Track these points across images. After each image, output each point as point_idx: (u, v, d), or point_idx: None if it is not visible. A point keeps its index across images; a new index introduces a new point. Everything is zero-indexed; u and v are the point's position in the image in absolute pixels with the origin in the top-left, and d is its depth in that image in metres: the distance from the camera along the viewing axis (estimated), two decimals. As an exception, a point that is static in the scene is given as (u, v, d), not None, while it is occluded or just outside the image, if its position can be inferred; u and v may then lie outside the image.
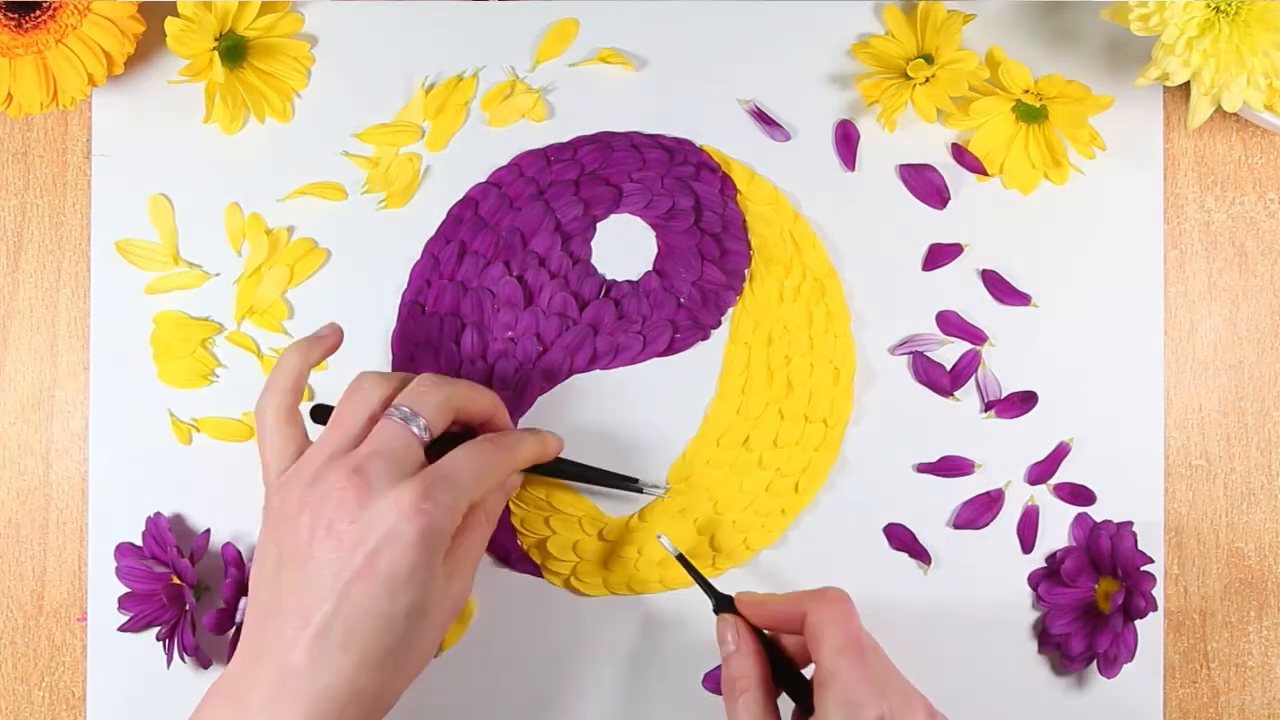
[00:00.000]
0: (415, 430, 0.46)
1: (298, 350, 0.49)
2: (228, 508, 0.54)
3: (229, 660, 0.52)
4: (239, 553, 0.53)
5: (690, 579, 0.51)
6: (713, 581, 0.53)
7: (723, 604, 0.49)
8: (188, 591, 0.52)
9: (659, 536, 0.52)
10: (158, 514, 0.54)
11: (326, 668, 0.42)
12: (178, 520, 0.55)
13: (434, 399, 0.47)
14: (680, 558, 0.51)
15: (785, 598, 0.48)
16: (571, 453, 0.53)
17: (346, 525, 0.43)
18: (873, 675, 0.44)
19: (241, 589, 0.52)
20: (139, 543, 0.54)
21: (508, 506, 0.54)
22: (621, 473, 0.53)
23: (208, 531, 0.54)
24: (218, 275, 0.55)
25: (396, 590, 0.43)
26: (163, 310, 0.55)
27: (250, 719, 0.42)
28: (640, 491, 0.53)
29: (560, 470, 0.52)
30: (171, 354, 0.54)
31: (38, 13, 0.51)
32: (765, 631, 0.48)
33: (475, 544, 0.47)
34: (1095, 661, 0.53)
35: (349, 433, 0.46)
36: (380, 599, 0.43)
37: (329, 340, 0.50)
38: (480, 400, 0.49)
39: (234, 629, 0.52)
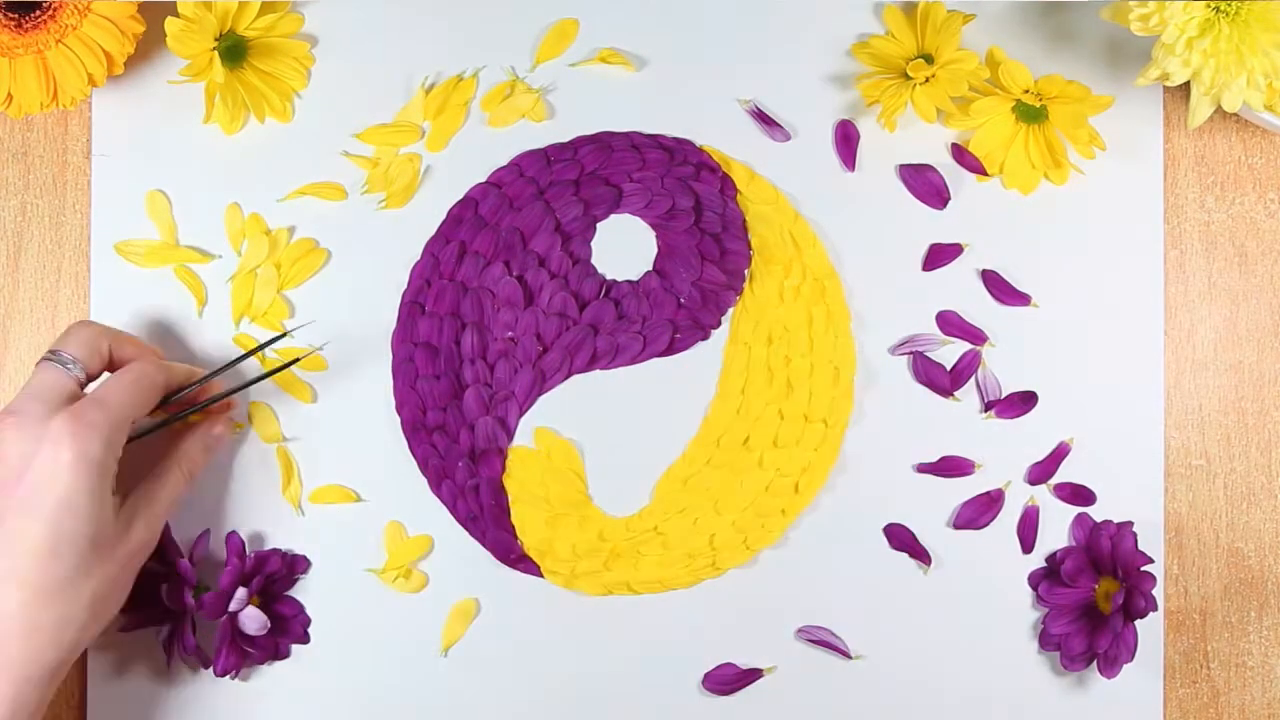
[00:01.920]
0: (64, 367, 0.47)
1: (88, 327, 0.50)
2: (228, 507, 0.54)
3: (219, 654, 0.52)
4: (243, 543, 0.53)
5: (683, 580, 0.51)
6: (712, 582, 0.53)
7: None
8: (188, 592, 0.52)
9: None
10: (158, 514, 0.54)
11: (1, 604, 0.44)
12: (178, 521, 0.55)
13: (80, 337, 0.49)
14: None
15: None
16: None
17: (5, 466, 0.45)
18: None
19: (240, 580, 0.52)
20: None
21: (507, 507, 0.54)
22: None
23: (207, 532, 0.54)
24: (219, 258, 0.55)
25: (60, 518, 0.44)
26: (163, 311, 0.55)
27: None
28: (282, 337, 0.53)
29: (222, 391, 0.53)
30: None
31: (38, 13, 0.51)
32: None
33: (164, 492, 0.50)
34: (1095, 661, 0.53)
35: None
36: (43, 528, 0.44)
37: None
38: (134, 345, 0.51)
39: (227, 615, 0.52)
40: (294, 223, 0.55)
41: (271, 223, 0.55)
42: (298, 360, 0.53)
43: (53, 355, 0.48)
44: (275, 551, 0.54)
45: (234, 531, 0.54)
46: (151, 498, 0.49)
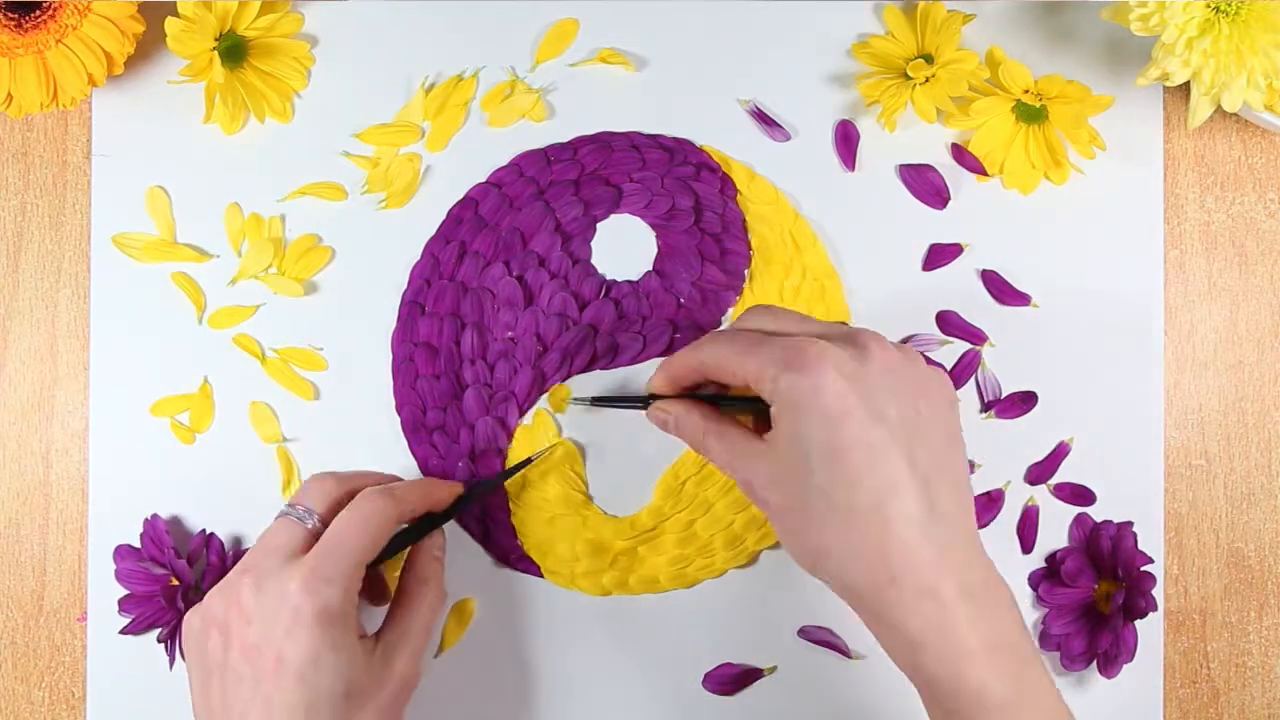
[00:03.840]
0: (296, 519, 0.47)
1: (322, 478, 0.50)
2: (229, 508, 0.54)
3: None
4: (221, 543, 0.53)
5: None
6: (712, 582, 0.53)
7: (646, 403, 0.50)
8: (186, 592, 0.52)
9: (574, 397, 0.53)
10: (154, 515, 0.54)
11: None
12: (178, 522, 0.55)
13: (315, 488, 0.48)
14: (596, 400, 0.52)
15: (678, 358, 0.48)
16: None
17: (246, 626, 0.44)
18: (785, 343, 0.43)
19: (220, 578, 0.52)
20: (138, 544, 0.54)
21: (507, 507, 0.54)
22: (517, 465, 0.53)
23: (203, 532, 0.54)
24: (218, 258, 0.55)
25: (311, 677, 0.43)
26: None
27: None
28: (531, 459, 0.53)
29: (472, 499, 0.52)
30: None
31: (38, 13, 0.51)
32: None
33: (418, 619, 0.48)
34: (1095, 661, 0.53)
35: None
36: (298, 690, 0.43)
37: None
38: (366, 479, 0.50)
39: None
40: (294, 223, 0.55)
41: (271, 223, 0.55)
42: (531, 460, 0.53)
43: (289, 509, 0.47)
44: (248, 547, 0.54)
45: (210, 532, 0.54)
46: (406, 629, 0.48)
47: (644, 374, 0.55)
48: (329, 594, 0.44)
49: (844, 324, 0.46)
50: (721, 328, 0.48)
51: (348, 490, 0.49)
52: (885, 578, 0.41)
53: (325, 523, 0.47)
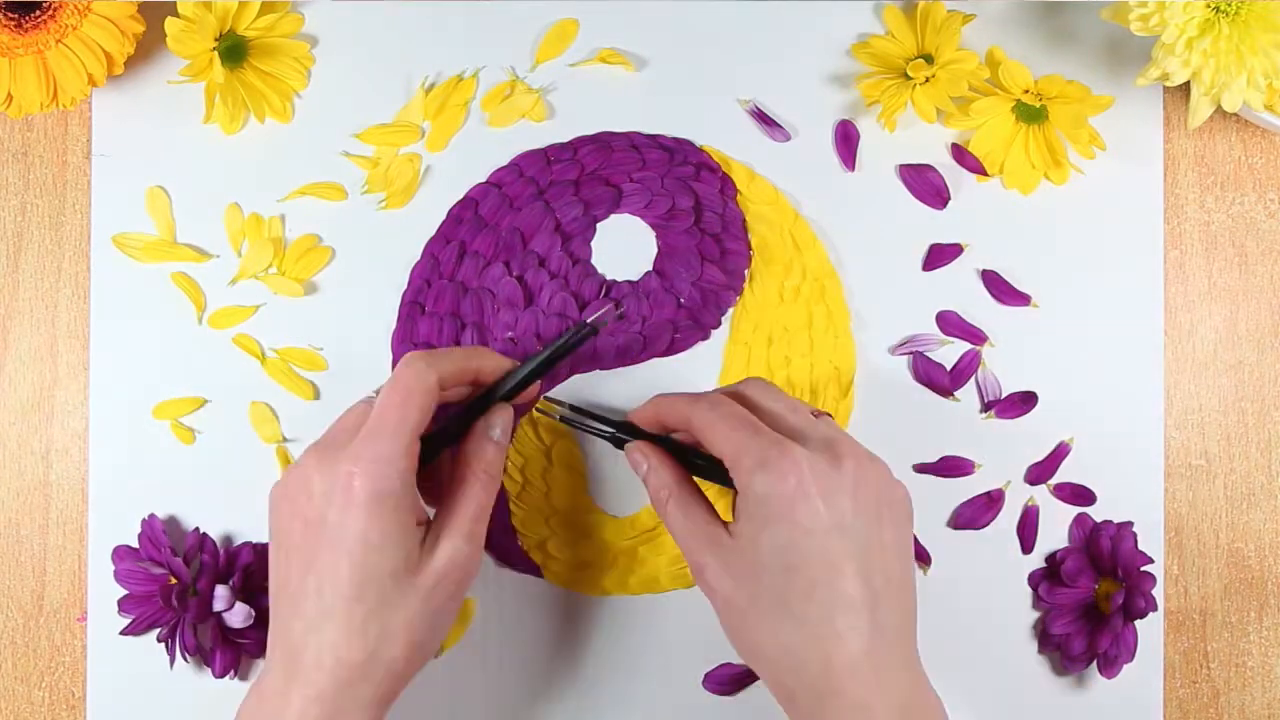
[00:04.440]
0: (368, 399, 0.46)
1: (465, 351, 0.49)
2: (229, 508, 0.54)
3: (213, 656, 0.52)
4: (214, 542, 0.54)
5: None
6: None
7: (622, 431, 0.49)
8: (184, 591, 0.52)
9: (542, 401, 0.52)
10: (151, 516, 0.54)
11: (314, 644, 0.43)
12: (177, 522, 0.55)
13: (407, 372, 0.45)
14: (569, 413, 0.51)
15: (659, 407, 0.48)
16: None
17: (306, 501, 0.44)
18: (769, 440, 0.44)
19: (214, 576, 0.52)
20: (136, 545, 0.54)
21: (507, 507, 0.54)
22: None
23: (197, 530, 0.54)
24: (218, 258, 0.55)
25: (358, 557, 0.43)
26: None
27: (269, 703, 0.44)
28: (596, 330, 0.51)
29: (520, 380, 0.49)
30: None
31: (38, 13, 0.51)
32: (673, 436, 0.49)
33: (467, 505, 0.46)
34: (1095, 661, 0.53)
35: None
36: (345, 565, 0.43)
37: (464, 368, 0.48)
38: (457, 358, 0.47)
39: (213, 616, 0.52)
40: (294, 223, 0.55)
41: (271, 223, 0.55)
42: (584, 334, 0.50)
43: (376, 390, 0.46)
44: (247, 544, 0.54)
45: (204, 532, 0.54)
46: (454, 514, 0.46)
47: (644, 374, 0.55)
48: (376, 471, 0.43)
49: (829, 419, 0.47)
50: (717, 389, 0.47)
51: (438, 369, 0.46)
52: (826, 689, 0.42)
53: None
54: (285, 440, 0.55)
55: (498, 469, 0.48)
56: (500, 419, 0.48)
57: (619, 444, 0.49)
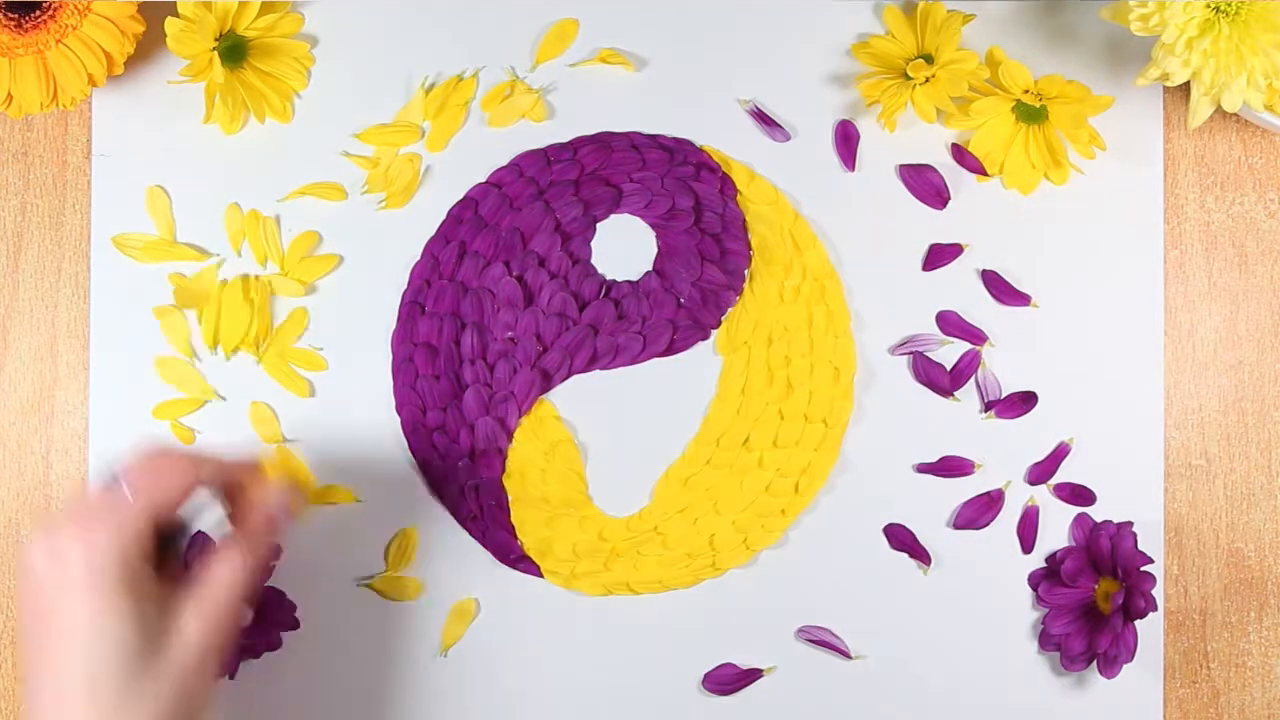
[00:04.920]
0: (108, 480, 0.43)
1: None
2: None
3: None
4: (214, 542, 0.53)
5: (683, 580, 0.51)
6: (712, 582, 0.53)
7: None
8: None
9: None
10: (154, 515, 0.54)
11: None
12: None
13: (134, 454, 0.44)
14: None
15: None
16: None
17: (36, 588, 0.41)
18: None
19: None
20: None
21: (507, 508, 0.54)
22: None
23: (199, 534, 0.54)
24: (217, 257, 0.55)
25: (85, 645, 0.40)
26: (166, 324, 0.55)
27: None
28: None
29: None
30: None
31: (38, 13, 0.51)
32: None
33: (217, 581, 0.43)
34: (1095, 661, 0.53)
35: None
36: (72, 660, 0.40)
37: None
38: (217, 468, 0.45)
39: None
40: (294, 223, 0.55)
41: (269, 223, 0.55)
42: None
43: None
44: None
45: (199, 530, 0.54)
46: (201, 591, 0.43)
47: (645, 374, 0.55)
48: (102, 550, 0.40)
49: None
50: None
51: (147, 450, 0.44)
52: None
53: (122, 480, 0.43)
54: (285, 440, 0.55)
55: (261, 550, 0.45)
56: (285, 499, 0.46)
57: None
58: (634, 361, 0.55)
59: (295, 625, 0.54)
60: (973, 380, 0.55)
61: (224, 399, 0.55)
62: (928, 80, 0.53)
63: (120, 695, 0.40)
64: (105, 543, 0.40)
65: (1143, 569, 0.53)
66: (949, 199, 0.55)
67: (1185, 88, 0.54)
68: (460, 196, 0.55)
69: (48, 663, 0.40)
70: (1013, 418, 0.55)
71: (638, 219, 0.55)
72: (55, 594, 0.40)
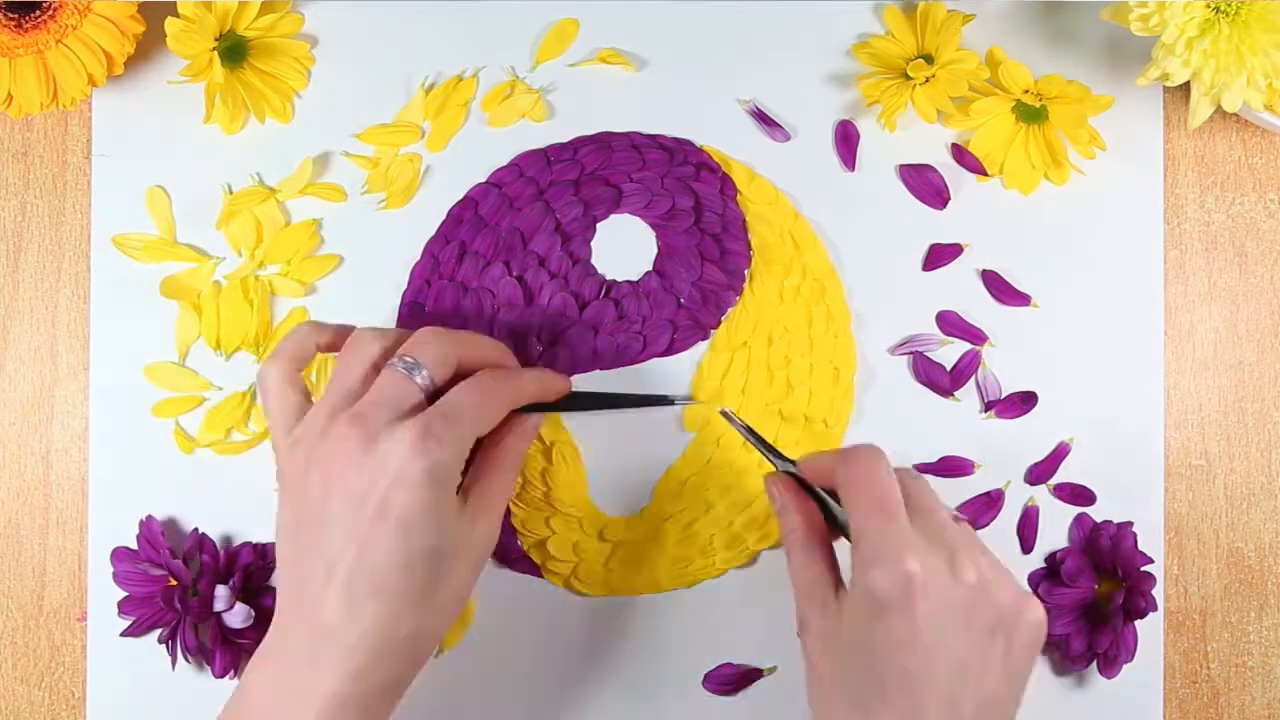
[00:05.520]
0: (417, 380, 0.45)
1: (310, 324, 0.49)
2: (228, 507, 0.54)
3: (214, 656, 0.52)
4: (213, 543, 0.53)
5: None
6: (712, 582, 0.53)
7: (785, 470, 0.49)
8: (184, 592, 0.52)
9: (722, 411, 0.52)
10: (149, 517, 0.54)
11: (357, 618, 0.43)
12: (176, 523, 0.55)
13: (435, 350, 0.46)
14: (746, 429, 0.50)
15: (823, 456, 0.47)
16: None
17: (354, 474, 0.43)
18: (897, 534, 0.42)
19: (215, 577, 0.52)
20: (135, 546, 0.54)
21: (508, 507, 0.54)
22: (644, 394, 0.53)
23: (195, 531, 0.54)
24: (223, 260, 0.55)
25: (412, 532, 0.43)
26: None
27: (292, 679, 0.43)
28: (671, 404, 0.53)
29: (579, 403, 0.52)
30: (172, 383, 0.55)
31: (38, 13, 0.51)
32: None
33: (499, 486, 0.47)
34: (1095, 661, 0.53)
35: (350, 387, 0.46)
36: (396, 542, 0.43)
37: (341, 331, 0.49)
38: (484, 349, 0.49)
39: (213, 616, 0.52)
40: (294, 223, 0.55)
41: (269, 223, 0.55)
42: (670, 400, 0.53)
43: (400, 360, 0.46)
44: (246, 544, 0.54)
45: (203, 532, 0.54)
46: (489, 494, 0.47)
47: (645, 374, 0.55)
48: (440, 457, 0.43)
49: (967, 527, 0.45)
50: (874, 446, 0.46)
51: (460, 354, 0.47)
52: None
53: (436, 382, 0.46)
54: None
55: (521, 462, 0.50)
56: (539, 421, 0.51)
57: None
58: (634, 361, 0.55)
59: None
60: (973, 380, 0.55)
61: (220, 388, 0.55)
62: (928, 80, 0.53)
63: (426, 580, 0.44)
64: (446, 454, 0.44)
65: (1143, 569, 0.53)
66: (949, 199, 0.55)
67: (1185, 88, 0.54)
68: (460, 196, 0.55)
69: (357, 541, 0.43)
70: (1013, 418, 0.55)
71: (638, 219, 0.55)
72: (389, 485, 0.43)
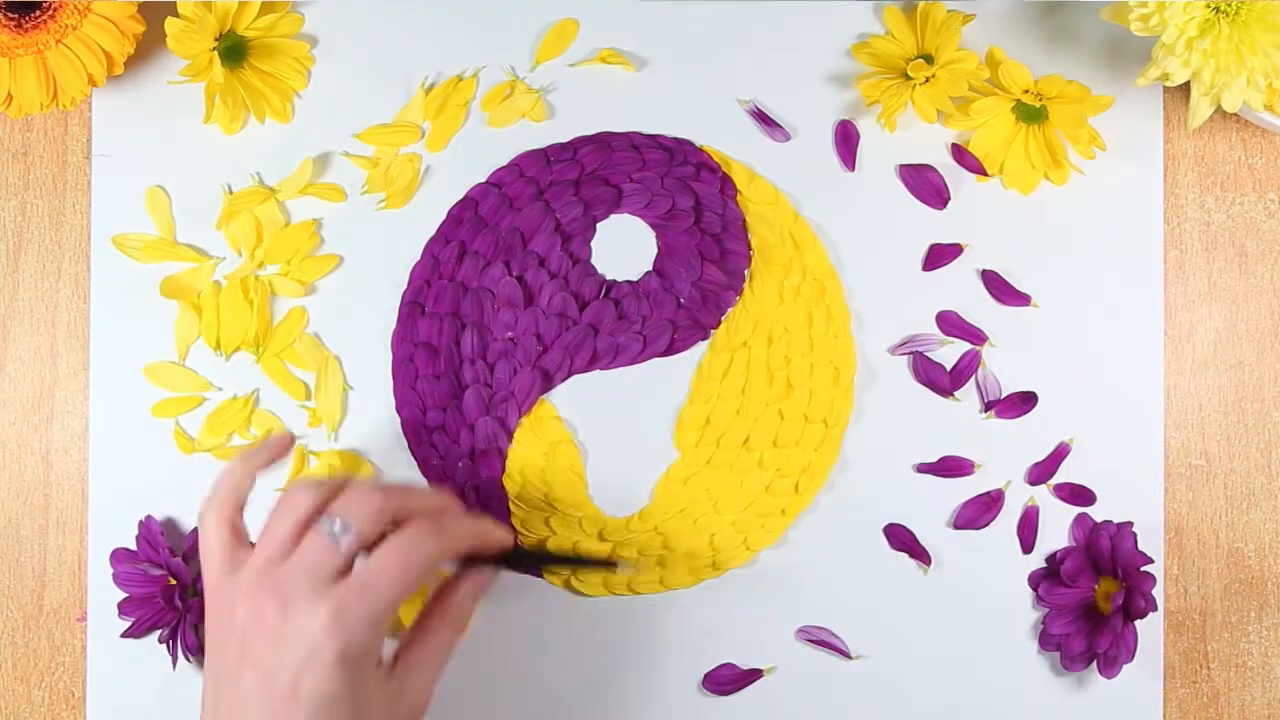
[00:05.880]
0: (343, 543, 0.44)
1: (242, 459, 0.48)
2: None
3: None
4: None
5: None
6: (713, 582, 0.53)
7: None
8: (184, 592, 0.52)
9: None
10: (148, 517, 0.54)
11: None
12: (175, 523, 0.55)
13: (365, 508, 0.45)
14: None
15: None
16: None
17: (268, 650, 0.42)
18: None
19: None
20: (134, 547, 0.54)
21: (507, 508, 0.54)
22: (592, 558, 0.52)
23: (195, 531, 0.54)
24: (223, 260, 0.55)
25: (322, 714, 0.42)
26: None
27: None
28: (615, 568, 0.53)
29: (520, 561, 0.50)
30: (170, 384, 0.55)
31: (38, 13, 0.51)
32: None
33: (435, 646, 0.46)
34: (1095, 661, 0.53)
35: (277, 548, 0.44)
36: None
37: (275, 448, 0.49)
38: (423, 501, 0.47)
39: None
40: (294, 223, 0.55)
41: (269, 223, 0.55)
42: (609, 563, 0.53)
43: (327, 520, 0.44)
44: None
45: (197, 529, 0.54)
46: (425, 659, 0.46)
47: (644, 374, 0.55)
48: (353, 638, 0.42)
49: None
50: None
51: (393, 509, 0.45)
52: None
53: (364, 543, 0.44)
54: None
55: (466, 625, 0.48)
56: (488, 581, 0.49)
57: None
58: (634, 361, 0.55)
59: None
60: (973, 380, 0.55)
61: (220, 388, 0.55)
62: (928, 80, 0.53)
63: None
64: (362, 632, 0.43)
65: (1143, 569, 0.53)
66: (949, 199, 0.55)
67: (1185, 88, 0.54)
68: (460, 196, 0.55)
69: (270, 713, 0.42)
70: (1013, 418, 0.55)
71: (638, 219, 0.55)
72: (301, 663, 0.42)
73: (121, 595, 0.53)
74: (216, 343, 0.54)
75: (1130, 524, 0.54)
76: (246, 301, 0.54)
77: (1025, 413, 0.55)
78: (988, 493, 0.55)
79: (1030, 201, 0.55)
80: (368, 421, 0.55)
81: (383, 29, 0.55)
